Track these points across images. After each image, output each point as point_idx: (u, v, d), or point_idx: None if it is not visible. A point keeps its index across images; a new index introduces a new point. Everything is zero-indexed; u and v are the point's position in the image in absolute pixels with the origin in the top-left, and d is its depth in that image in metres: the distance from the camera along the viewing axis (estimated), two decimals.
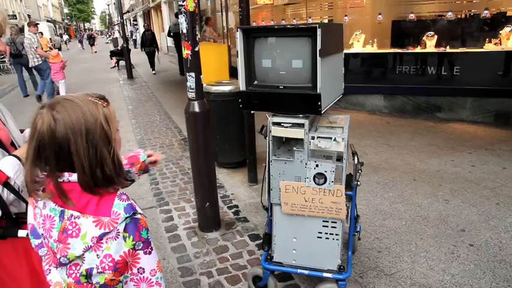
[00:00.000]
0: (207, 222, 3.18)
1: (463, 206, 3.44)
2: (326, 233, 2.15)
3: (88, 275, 1.00)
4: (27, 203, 1.33)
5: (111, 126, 1.04)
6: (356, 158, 2.34)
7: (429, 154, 4.73)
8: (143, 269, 1.04)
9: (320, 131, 2.06)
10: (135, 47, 27.67)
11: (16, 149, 1.56)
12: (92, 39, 30.61)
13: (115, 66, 16.13)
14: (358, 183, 2.27)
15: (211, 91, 4.17)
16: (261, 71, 2.04)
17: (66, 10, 79.51)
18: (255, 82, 2.07)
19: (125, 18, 19.32)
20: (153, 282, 1.06)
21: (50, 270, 1.08)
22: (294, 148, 2.06)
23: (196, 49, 2.67)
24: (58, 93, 9.59)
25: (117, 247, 0.99)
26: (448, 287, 2.44)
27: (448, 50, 6.42)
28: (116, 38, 23.77)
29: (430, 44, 6.56)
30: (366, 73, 7.22)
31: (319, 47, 1.81)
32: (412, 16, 6.75)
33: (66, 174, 1.01)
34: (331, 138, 1.94)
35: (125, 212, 1.01)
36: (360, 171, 2.32)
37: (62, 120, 0.97)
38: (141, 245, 1.03)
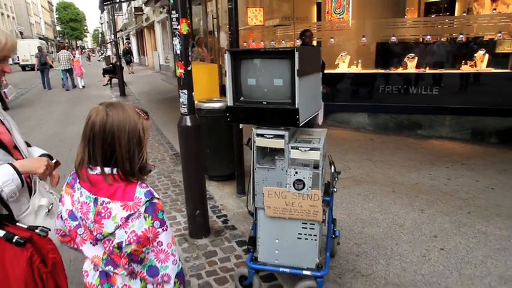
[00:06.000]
0: (197, 230, 3.38)
1: (437, 214, 3.69)
2: (305, 234, 2.37)
3: (119, 247, 1.25)
4: (8, 208, 1.54)
5: (146, 134, 1.33)
6: (333, 167, 2.59)
7: (409, 168, 5.00)
8: (161, 242, 1.28)
9: (299, 142, 2.31)
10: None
11: (20, 153, 1.69)
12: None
13: (108, 83, 16.38)
14: (335, 189, 2.51)
15: (203, 108, 4.42)
16: (246, 88, 2.30)
17: (58, 28, 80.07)
18: (241, 98, 2.33)
19: (118, 36, 19.50)
20: (168, 253, 1.30)
21: (82, 250, 1.36)
22: (276, 157, 2.30)
23: (189, 68, 2.93)
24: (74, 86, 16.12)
25: (139, 225, 1.24)
26: (418, 286, 2.66)
27: (428, 71, 6.81)
28: (109, 56, 24.03)
29: (411, 65, 6.95)
30: (351, 92, 7.56)
31: (296, 67, 2.07)
32: (394, 39, 7.14)
33: (94, 167, 1.27)
34: (307, 148, 2.19)
35: (145, 197, 1.26)
36: (336, 179, 2.56)
37: (112, 117, 1.25)
38: (158, 223, 1.27)
